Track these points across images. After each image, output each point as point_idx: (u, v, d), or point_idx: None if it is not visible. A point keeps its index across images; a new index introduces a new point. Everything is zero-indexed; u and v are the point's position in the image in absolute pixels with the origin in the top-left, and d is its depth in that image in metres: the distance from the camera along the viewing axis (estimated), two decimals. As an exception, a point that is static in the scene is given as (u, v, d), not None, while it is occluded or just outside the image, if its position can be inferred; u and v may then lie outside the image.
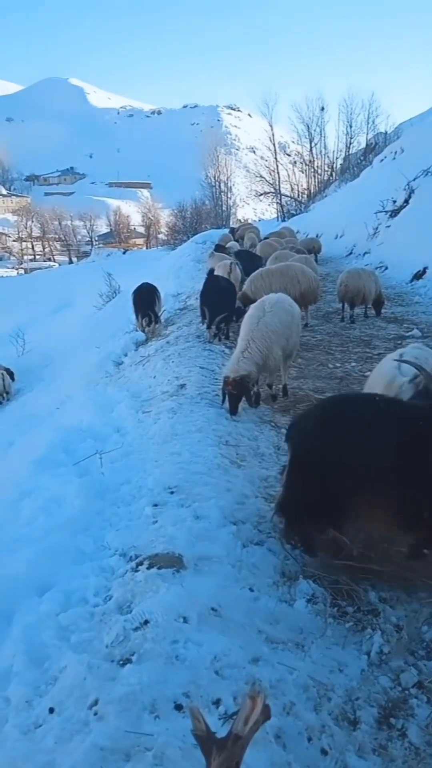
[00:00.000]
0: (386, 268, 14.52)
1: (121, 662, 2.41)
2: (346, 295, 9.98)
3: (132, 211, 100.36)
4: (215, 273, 10.20)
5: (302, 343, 7.50)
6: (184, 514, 3.60)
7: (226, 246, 18.38)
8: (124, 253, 57.46)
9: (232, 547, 3.27)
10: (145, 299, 10.50)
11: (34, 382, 14.30)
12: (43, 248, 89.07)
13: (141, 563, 3.11)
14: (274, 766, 1.96)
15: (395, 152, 23.70)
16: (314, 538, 3.19)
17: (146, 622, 2.58)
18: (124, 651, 2.47)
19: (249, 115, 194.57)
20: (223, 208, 62.73)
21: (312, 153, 50.73)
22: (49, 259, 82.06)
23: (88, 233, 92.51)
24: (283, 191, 50.15)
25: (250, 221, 46.67)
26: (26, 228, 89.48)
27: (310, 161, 51.05)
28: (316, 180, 50.77)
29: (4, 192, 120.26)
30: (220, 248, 17.49)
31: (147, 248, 71.19)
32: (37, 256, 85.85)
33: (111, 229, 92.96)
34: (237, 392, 5.46)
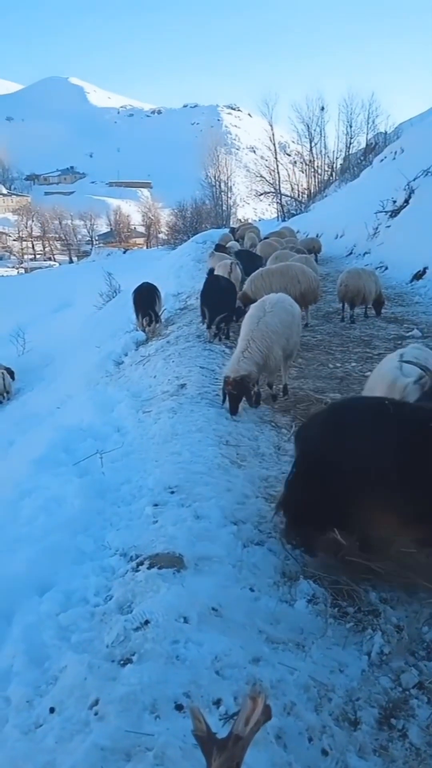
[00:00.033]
0: (386, 268, 14.52)
1: (122, 662, 2.41)
2: (346, 295, 9.98)
3: (132, 210, 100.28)
4: (215, 273, 10.20)
5: (302, 343, 7.50)
6: (184, 513, 3.59)
7: (227, 246, 18.38)
8: (124, 252, 57.41)
9: (233, 547, 3.26)
10: (146, 299, 10.51)
11: (35, 382, 14.31)
12: (44, 248, 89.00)
13: (141, 563, 3.10)
14: (275, 767, 1.96)
15: (395, 152, 23.71)
16: (315, 538, 3.18)
17: (147, 622, 2.58)
18: (124, 651, 2.47)
19: (249, 114, 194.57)
20: (224, 208, 62.72)
21: (312, 153, 50.75)
22: (50, 259, 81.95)
23: (89, 233, 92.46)
24: (283, 191, 50.15)
25: (250, 221, 46.68)
26: (26, 227, 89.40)
27: (310, 161, 51.05)
28: (316, 180, 50.77)
29: (5, 191, 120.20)
30: (220, 248, 17.50)
31: (147, 248, 71.15)
32: (38, 256, 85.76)
33: (111, 229, 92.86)
34: (237, 392, 5.46)
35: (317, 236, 22.11)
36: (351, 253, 18.66)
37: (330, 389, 6.42)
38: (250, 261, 12.68)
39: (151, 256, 41.61)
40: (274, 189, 50.31)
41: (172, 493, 3.92)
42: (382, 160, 26.13)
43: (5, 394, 13.65)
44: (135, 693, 2.19)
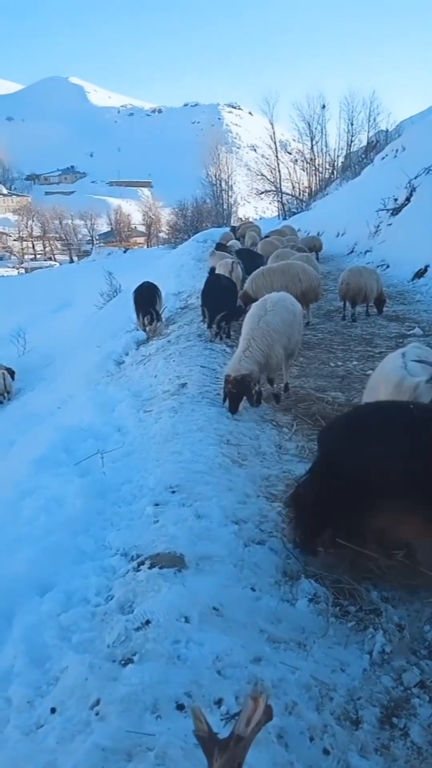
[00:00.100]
0: (388, 267, 14.50)
1: (123, 662, 2.40)
2: (347, 294, 9.97)
3: (133, 209, 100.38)
4: (217, 271, 10.20)
5: (303, 342, 7.49)
6: (185, 513, 3.59)
7: (227, 244, 18.37)
8: (124, 251, 57.44)
9: (234, 546, 3.26)
10: (146, 298, 10.51)
11: (35, 382, 14.33)
12: (44, 247, 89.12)
13: (142, 563, 3.10)
14: (276, 767, 1.96)
15: (396, 150, 23.68)
16: (319, 537, 3.15)
17: (148, 621, 2.58)
18: (125, 651, 2.46)
19: (250, 113, 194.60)
20: (224, 207, 62.69)
21: (313, 151, 50.74)
22: (50, 259, 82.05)
23: (89, 232, 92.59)
24: (284, 189, 50.12)
25: (251, 220, 46.74)
26: (27, 227, 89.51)
27: (311, 159, 51.02)
28: (317, 178, 50.73)
29: (5, 191, 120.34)
30: (221, 247, 17.49)
31: (148, 247, 71.20)
32: (38, 256, 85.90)
33: (112, 228, 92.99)
34: (237, 391, 5.45)
35: (318, 234, 22.09)
36: (352, 252, 18.65)
37: (331, 388, 6.41)
38: (251, 260, 12.68)
39: (152, 255, 41.61)
40: (275, 187, 50.30)
41: (173, 492, 3.92)
42: (383, 158, 26.09)
43: (6, 394, 13.67)
44: (136, 693, 2.19)
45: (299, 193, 50.15)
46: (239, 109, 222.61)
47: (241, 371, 5.42)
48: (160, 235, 75.07)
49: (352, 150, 47.41)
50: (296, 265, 9.22)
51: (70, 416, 6.71)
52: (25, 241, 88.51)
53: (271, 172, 50.80)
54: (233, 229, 28.05)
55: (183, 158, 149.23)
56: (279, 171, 50.60)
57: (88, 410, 6.36)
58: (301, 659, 2.47)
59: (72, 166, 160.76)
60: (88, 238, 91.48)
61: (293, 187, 51.05)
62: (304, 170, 52.36)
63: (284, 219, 40.78)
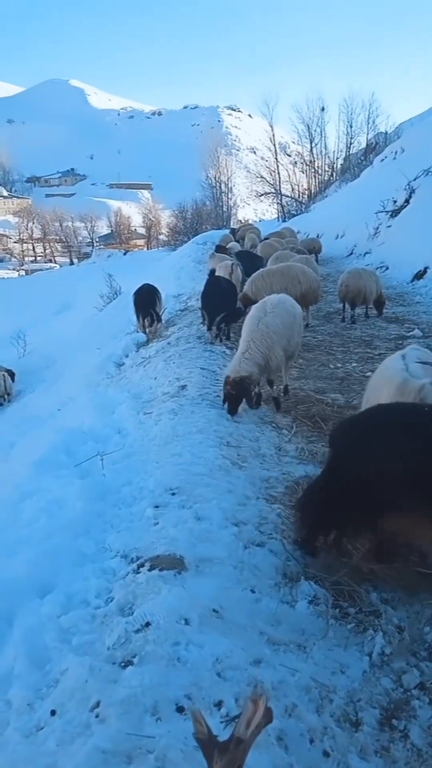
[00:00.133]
0: (387, 268, 14.51)
1: (123, 664, 2.41)
2: (347, 296, 9.97)
3: (133, 212, 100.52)
4: (216, 273, 10.20)
5: (303, 344, 7.50)
6: (185, 515, 3.59)
7: (227, 247, 18.39)
8: (124, 254, 57.46)
9: (234, 548, 3.26)
10: (146, 300, 10.50)
11: (35, 384, 14.32)
12: (44, 250, 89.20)
13: (142, 565, 3.10)
14: (276, 769, 1.96)
15: (396, 152, 23.71)
16: (320, 538, 3.15)
17: (148, 624, 2.58)
18: (125, 653, 2.46)
19: (249, 115, 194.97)
20: (224, 209, 62.70)
21: (312, 153, 50.81)
22: (50, 261, 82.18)
23: (89, 234, 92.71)
24: (283, 192, 50.17)
25: (250, 222, 46.65)
26: (27, 229, 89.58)
27: (310, 161, 51.09)
28: (317, 180, 50.80)
29: (5, 194, 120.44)
30: (220, 249, 17.51)
31: (148, 249, 71.22)
32: (38, 258, 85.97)
33: (112, 230, 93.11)
34: (236, 393, 5.46)
35: (318, 236, 22.11)
36: (351, 254, 18.66)
37: (331, 390, 6.41)
38: (250, 262, 12.69)
39: (152, 257, 41.61)
40: (275, 190, 50.34)
41: (173, 494, 3.92)
42: (382, 160, 26.13)
43: (6, 396, 13.66)
44: (136, 695, 2.19)
45: (299, 195, 50.20)
46: (239, 111, 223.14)
47: (240, 373, 5.42)
48: (160, 237, 75.07)
49: (351, 152, 47.46)
50: (296, 267, 9.22)
51: (71, 418, 6.72)
52: (26, 243, 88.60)
53: (271, 175, 50.88)
54: (233, 232, 28.07)
55: (183, 160, 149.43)
56: (278, 173, 50.67)
57: (88, 412, 6.36)
58: (301, 661, 2.47)
59: (72, 169, 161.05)
60: (89, 240, 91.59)
61: (293, 189, 51.10)
62: (303, 172, 52.42)
63: (284, 221, 40.78)
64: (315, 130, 49.91)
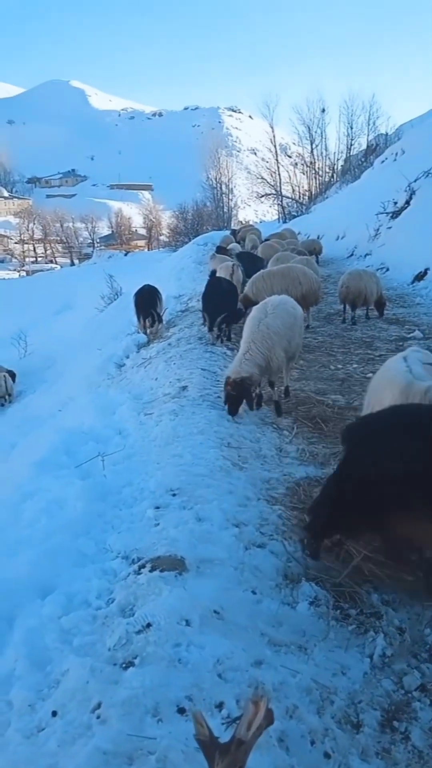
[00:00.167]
0: (387, 270, 14.52)
1: (124, 665, 2.41)
2: (347, 297, 9.97)
3: (133, 212, 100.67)
4: (217, 274, 10.21)
5: (304, 345, 7.50)
6: (186, 516, 3.59)
7: (228, 248, 18.40)
8: (125, 254, 57.55)
9: (235, 549, 3.26)
10: (147, 301, 10.51)
11: (36, 384, 14.31)
12: (45, 250, 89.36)
13: (143, 566, 3.10)
14: (277, 770, 1.96)
15: (396, 153, 23.74)
16: (327, 537, 3.13)
17: (149, 625, 2.58)
18: (126, 654, 2.46)
19: (250, 116, 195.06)
20: (225, 210, 62.78)
21: (313, 154, 50.85)
22: (51, 261, 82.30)
23: (90, 235, 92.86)
24: (284, 193, 50.20)
25: (251, 223, 46.70)
26: (28, 230, 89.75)
27: (311, 163, 51.12)
28: (317, 181, 50.82)
29: (6, 194, 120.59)
30: (221, 250, 17.52)
31: (148, 250, 71.33)
32: (39, 259, 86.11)
33: (112, 231, 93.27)
34: (236, 393, 5.45)
35: (318, 238, 22.11)
36: (352, 255, 18.67)
37: (331, 391, 6.42)
38: (251, 263, 12.70)
39: (153, 258, 41.63)
40: (275, 191, 50.38)
41: (174, 495, 3.92)
42: (382, 162, 26.16)
43: (7, 397, 13.66)
44: (137, 696, 2.19)
45: (299, 197, 50.24)
46: (239, 112, 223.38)
47: (241, 373, 5.42)
48: (161, 238, 75.17)
49: (351, 153, 47.49)
50: (296, 268, 9.23)
51: (71, 419, 6.72)
52: (26, 244, 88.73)
53: (271, 176, 50.92)
54: (233, 233, 28.09)
55: (183, 161, 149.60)
56: (279, 174, 50.71)
57: (89, 413, 6.36)
58: (302, 662, 2.47)
59: (73, 170, 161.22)
60: (89, 241, 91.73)
61: (293, 191, 51.15)
62: (304, 173, 52.48)
63: (284, 222, 40.82)
64: (315, 132, 50.02)
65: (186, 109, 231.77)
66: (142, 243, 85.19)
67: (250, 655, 2.44)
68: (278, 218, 49.53)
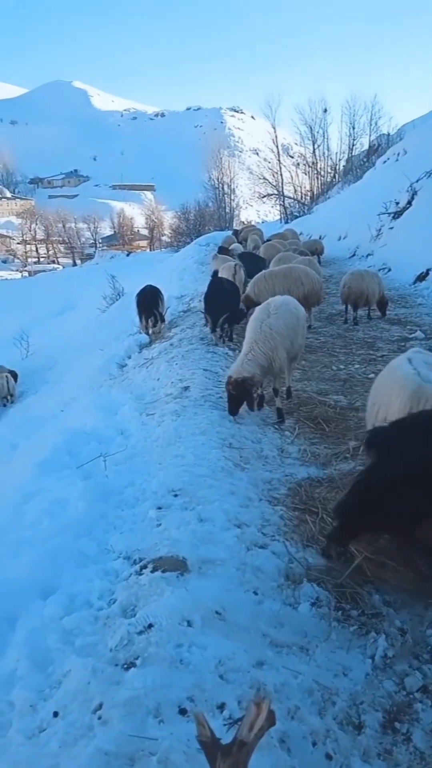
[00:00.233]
0: (389, 270, 14.50)
1: (126, 666, 2.41)
2: (349, 297, 9.97)
3: (136, 213, 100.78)
4: (219, 275, 10.20)
5: (305, 345, 7.49)
6: (188, 517, 3.59)
7: (230, 248, 18.40)
8: (127, 255, 57.63)
9: (236, 550, 3.26)
10: (149, 301, 10.52)
11: (38, 385, 14.33)
12: (47, 251, 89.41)
13: (145, 566, 3.10)
14: (279, 771, 1.95)
15: (398, 154, 23.73)
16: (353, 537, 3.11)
17: (150, 625, 2.58)
18: (128, 655, 2.47)
19: (252, 117, 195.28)
20: (227, 210, 62.72)
21: (315, 155, 50.84)
22: (53, 262, 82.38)
23: (92, 235, 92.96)
24: (286, 193, 50.20)
25: (253, 223, 46.78)
26: (30, 230, 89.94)
27: (313, 163, 51.11)
28: (319, 182, 50.82)
29: (9, 195, 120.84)
30: (223, 250, 17.51)
31: (151, 250, 71.39)
32: (41, 259, 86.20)
33: (115, 232, 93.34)
34: (237, 393, 5.45)
35: (320, 238, 22.09)
36: (354, 255, 18.65)
37: (333, 391, 6.41)
38: (253, 263, 12.69)
39: (155, 258, 41.65)
40: (277, 191, 50.37)
41: (176, 496, 3.92)
42: (384, 162, 26.14)
43: (9, 398, 13.67)
44: (139, 697, 2.19)
45: (301, 197, 50.22)
46: (241, 112, 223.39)
47: (243, 373, 5.42)
48: (163, 238, 75.15)
49: (353, 154, 47.44)
50: (298, 269, 9.22)
51: (73, 419, 6.72)
52: (29, 244, 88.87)
53: (273, 176, 50.92)
54: (235, 233, 28.10)
55: (186, 162, 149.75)
56: (281, 174, 50.71)
57: (91, 413, 6.37)
58: (304, 663, 2.46)
59: (75, 170, 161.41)
60: (91, 241, 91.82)
61: (295, 191, 51.12)
62: (306, 174, 52.47)
63: (286, 222, 40.83)
64: (318, 132, 50.02)
65: (188, 109, 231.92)
66: (144, 243, 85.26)
67: (251, 656, 2.44)
68: (280, 218, 49.54)
